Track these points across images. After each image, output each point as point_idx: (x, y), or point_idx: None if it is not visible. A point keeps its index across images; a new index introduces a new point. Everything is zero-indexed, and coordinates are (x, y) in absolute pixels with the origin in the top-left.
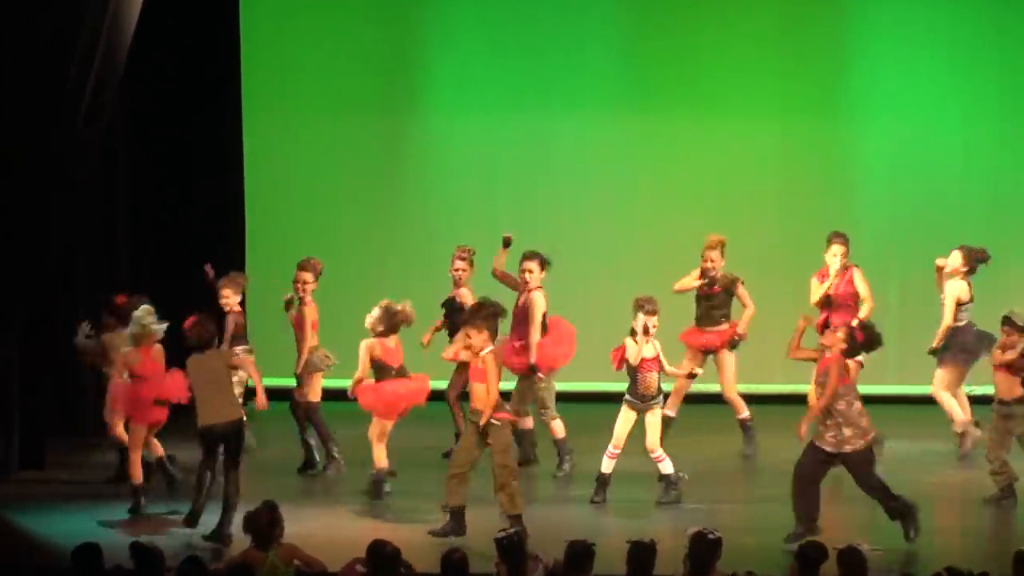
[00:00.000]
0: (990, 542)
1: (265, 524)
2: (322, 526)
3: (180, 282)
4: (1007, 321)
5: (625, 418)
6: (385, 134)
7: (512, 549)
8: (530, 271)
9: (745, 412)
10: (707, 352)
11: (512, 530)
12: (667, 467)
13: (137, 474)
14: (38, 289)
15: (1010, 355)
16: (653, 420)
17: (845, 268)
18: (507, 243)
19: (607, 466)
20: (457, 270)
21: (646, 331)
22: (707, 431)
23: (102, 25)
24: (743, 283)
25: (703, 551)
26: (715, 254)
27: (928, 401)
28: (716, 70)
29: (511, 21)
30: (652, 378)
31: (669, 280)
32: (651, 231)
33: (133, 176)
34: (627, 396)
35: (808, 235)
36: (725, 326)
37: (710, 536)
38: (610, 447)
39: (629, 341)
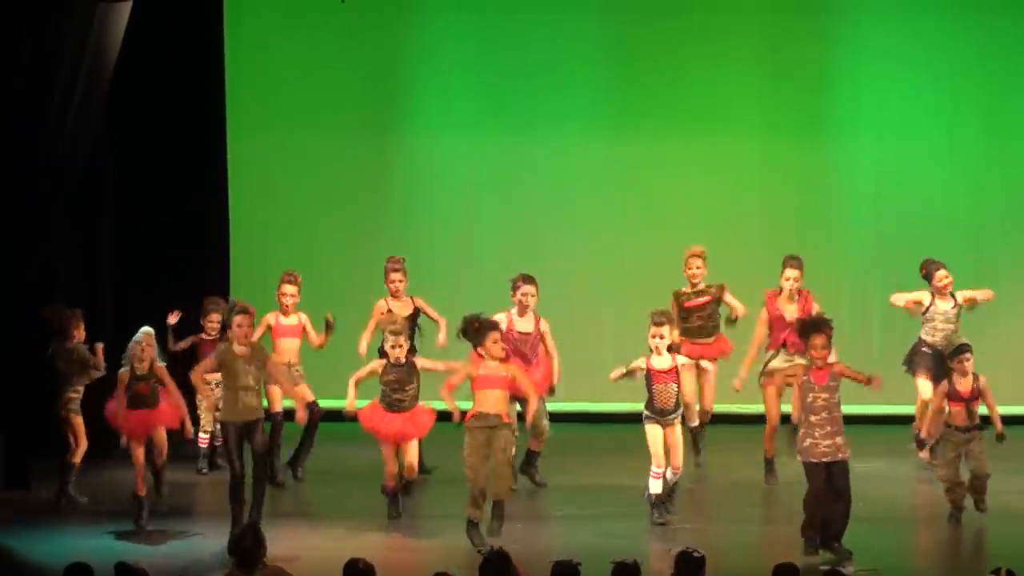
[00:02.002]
0: (969, 560)
1: (249, 546)
2: (306, 547)
3: (163, 300)
4: (966, 349)
5: (653, 434)
6: (369, 152)
7: (497, 568)
8: (532, 295)
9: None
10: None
11: (498, 548)
12: (673, 477)
13: (140, 487)
14: (19, 305)
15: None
16: (676, 437)
17: (801, 292)
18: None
19: (655, 487)
20: (393, 282)
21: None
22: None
23: (87, 43)
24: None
25: (689, 570)
26: (699, 261)
27: (910, 420)
28: (700, 90)
29: (496, 40)
30: (667, 391)
31: (653, 300)
32: (635, 252)
33: (117, 193)
34: (645, 412)
35: (790, 252)
36: (713, 338)
37: (695, 555)
38: (652, 467)
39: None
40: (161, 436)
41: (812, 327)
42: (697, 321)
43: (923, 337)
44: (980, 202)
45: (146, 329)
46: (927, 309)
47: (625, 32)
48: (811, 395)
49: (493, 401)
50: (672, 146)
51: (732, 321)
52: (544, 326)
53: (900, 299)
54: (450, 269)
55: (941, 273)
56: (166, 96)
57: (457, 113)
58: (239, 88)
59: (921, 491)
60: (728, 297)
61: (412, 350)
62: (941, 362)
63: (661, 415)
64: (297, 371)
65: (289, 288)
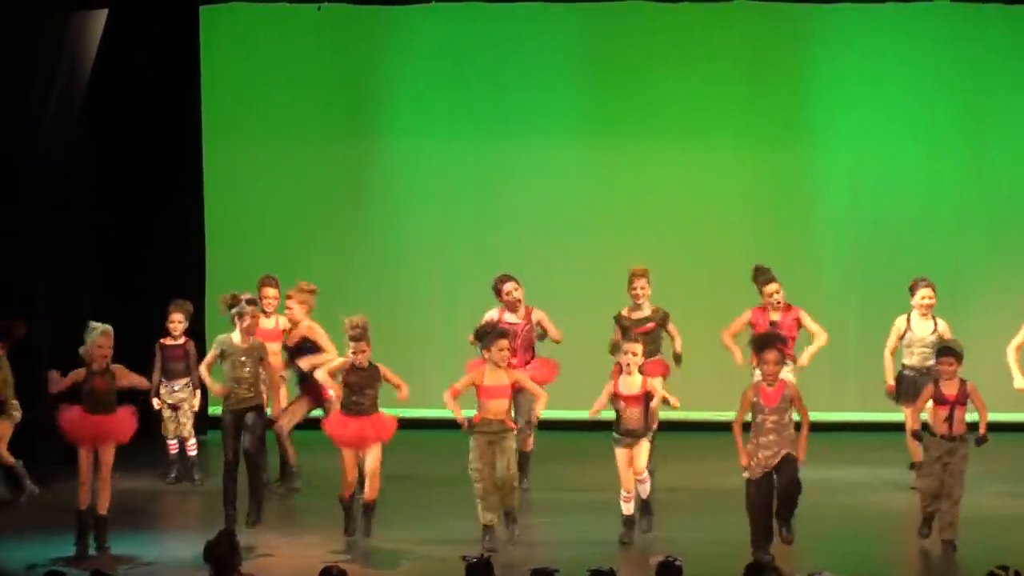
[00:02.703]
0: (956, 565)
1: (224, 553)
2: (281, 555)
3: (140, 309)
4: (948, 351)
5: (620, 458)
6: (346, 160)
7: (481, 572)
8: (515, 290)
9: None
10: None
11: (482, 553)
12: (645, 491)
13: (82, 499)
14: None
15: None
16: (643, 446)
17: (788, 305)
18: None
19: (626, 509)
20: (290, 309)
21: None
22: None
23: (63, 50)
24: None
25: None
26: (643, 281)
27: (889, 428)
28: (677, 98)
29: (473, 48)
30: (634, 413)
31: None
32: (612, 259)
33: (93, 203)
34: (614, 434)
35: (768, 264)
36: (655, 358)
37: (676, 563)
38: (622, 492)
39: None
40: (108, 450)
41: (765, 342)
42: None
43: (904, 362)
44: (957, 209)
45: (103, 327)
46: (904, 334)
47: (601, 38)
48: (760, 416)
49: (496, 409)
50: (649, 152)
51: (677, 357)
52: (538, 315)
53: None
54: (427, 275)
55: (927, 291)
56: (142, 103)
57: (433, 120)
58: (215, 95)
59: (896, 499)
60: (670, 326)
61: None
62: (919, 381)
63: (629, 436)
64: (281, 376)
65: (270, 291)
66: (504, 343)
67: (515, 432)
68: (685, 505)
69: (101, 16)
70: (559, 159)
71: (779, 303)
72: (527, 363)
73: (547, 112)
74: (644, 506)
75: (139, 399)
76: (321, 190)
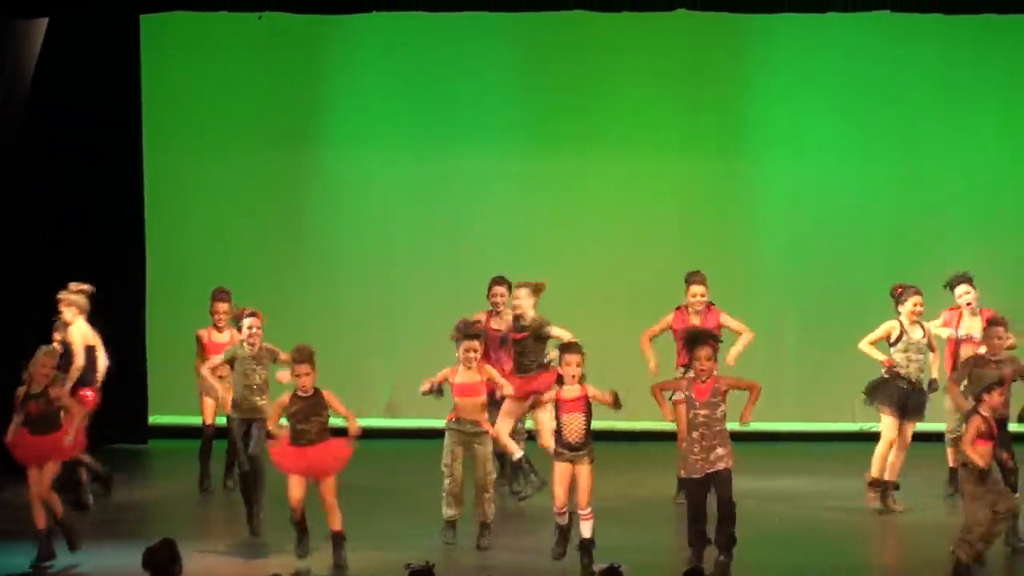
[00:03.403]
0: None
1: (163, 560)
2: (223, 563)
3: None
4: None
5: (559, 472)
6: (287, 169)
7: None
8: (502, 295)
9: (519, 453)
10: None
11: (425, 563)
12: (587, 530)
13: (38, 520)
14: None
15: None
16: (584, 478)
17: (709, 306)
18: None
19: (561, 520)
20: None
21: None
22: (604, 468)
23: (3, 61)
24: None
25: None
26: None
27: (828, 437)
28: (617, 108)
29: (414, 59)
30: (574, 421)
31: (570, 315)
32: (552, 267)
33: (33, 213)
34: (556, 447)
35: (706, 272)
36: (533, 374)
37: (620, 570)
38: (555, 508)
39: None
40: (50, 468)
41: (697, 339)
42: (517, 356)
43: (899, 370)
44: (894, 218)
45: (45, 347)
46: (899, 338)
47: (542, 48)
48: (692, 411)
49: (471, 408)
50: (589, 162)
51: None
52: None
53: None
54: (367, 285)
55: (918, 299)
56: (83, 111)
57: (374, 130)
58: (156, 103)
59: (835, 508)
60: (554, 332)
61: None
62: (911, 396)
63: (569, 449)
64: (228, 384)
65: (222, 306)
66: (471, 344)
67: (489, 435)
68: (623, 513)
69: (41, 25)
70: (500, 169)
71: (700, 306)
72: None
73: (488, 122)
74: (583, 546)
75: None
76: (262, 199)
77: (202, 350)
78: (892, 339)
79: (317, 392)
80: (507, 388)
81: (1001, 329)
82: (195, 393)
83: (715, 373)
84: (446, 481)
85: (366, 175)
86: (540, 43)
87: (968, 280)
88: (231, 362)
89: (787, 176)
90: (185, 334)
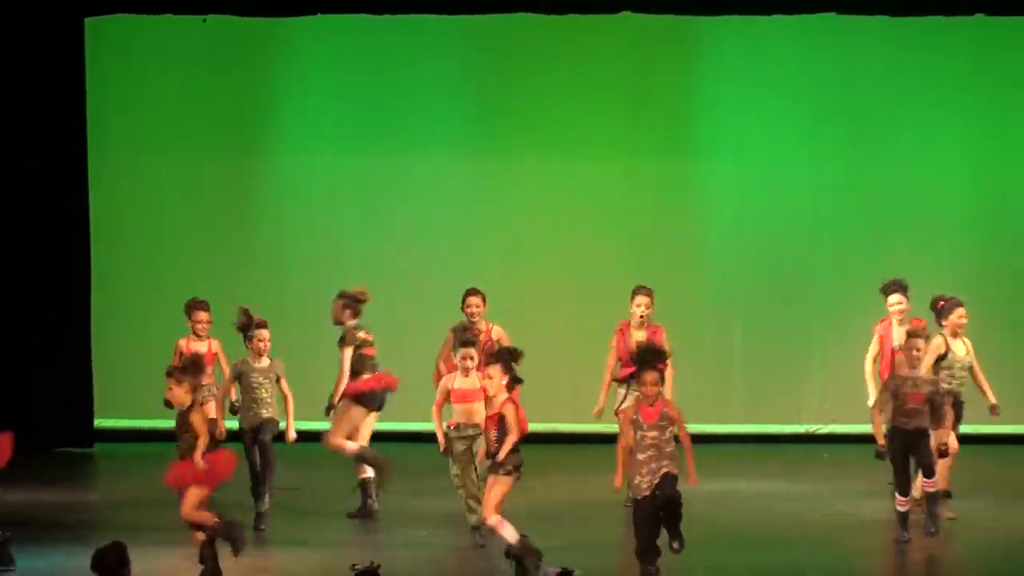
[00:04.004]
0: None
1: (113, 562)
2: (168, 567)
3: (24, 323)
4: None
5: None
6: (234, 172)
7: None
8: (477, 306)
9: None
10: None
11: (370, 564)
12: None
13: None
14: None
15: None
16: (494, 487)
17: (649, 325)
18: None
19: (473, 520)
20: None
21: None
22: (552, 471)
23: None
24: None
25: None
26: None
27: (775, 439)
28: (564, 111)
29: (360, 62)
30: (469, 409)
31: (520, 319)
32: (498, 272)
33: None
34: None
35: (654, 276)
36: None
37: (575, 573)
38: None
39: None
40: None
41: (644, 361)
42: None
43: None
44: (841, 221)
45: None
46: (944, 355)
47: (487, 50)
48: (639, 433)
49: (470, 413)
50: (535, 165)
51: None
52: (498, 332)
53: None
54: (315, 289)
55: (961, 311)
56: (27, 115)
57: (319, 132)
58: (101, 107)
59: (783, 509)
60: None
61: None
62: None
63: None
64: (211, 391)
65: (203, 315)
66: (467, 352)
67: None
68: (574, 517)
69: None
70: (445, 172)
71: (643, 319)
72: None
73: (434, 125)
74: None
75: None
76: (209, 201)
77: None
78: (941, 356)
79: (181, 411)
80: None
81: (920, 342)
82: (141, 396)
83: (663, 396)
84: (460, 491)
85: (312, 177)
86: (486, 46)
87: (902, 289)
88: (238, 378)
89: (734, 179)
90: (130, 337)
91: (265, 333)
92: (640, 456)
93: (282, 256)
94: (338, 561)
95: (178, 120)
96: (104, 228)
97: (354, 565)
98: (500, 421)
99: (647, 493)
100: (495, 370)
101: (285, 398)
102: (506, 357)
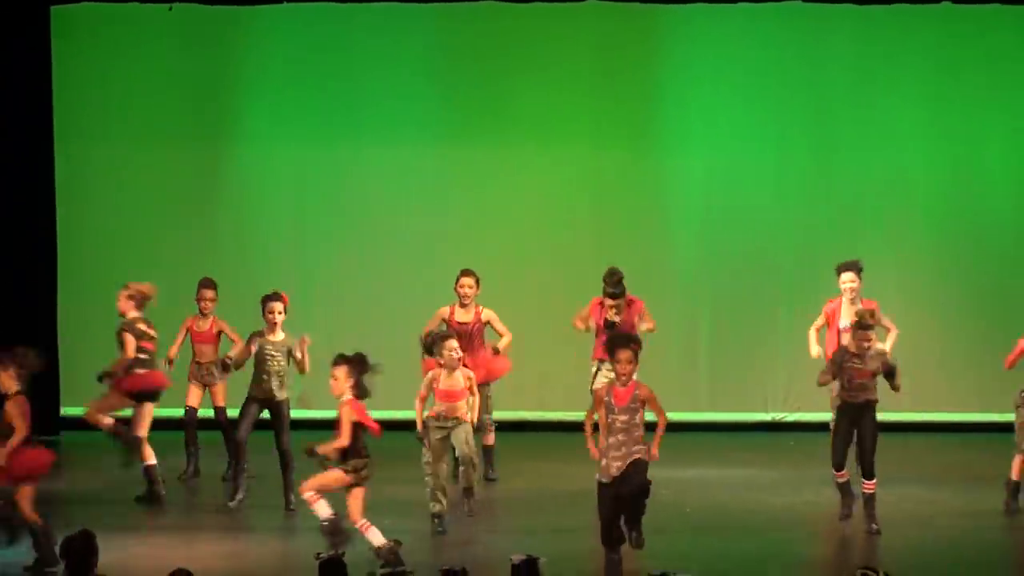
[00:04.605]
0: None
1: (79, 549)
2: (134, 555)
3: None
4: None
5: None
6: (198, 163)
7: (335, 572)
8: (470, 287)
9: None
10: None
11: (333, 551)
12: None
13: None
14: None
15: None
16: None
17: (630, 300)
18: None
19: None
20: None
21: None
22: (521, 458)
23: None
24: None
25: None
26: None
27: (741, 427)
28: (530, 102)
29: (324, 51)
30: (455, 407)
31: (486, 307)
32: (465, 259)
33: None
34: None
35: (621, 266)
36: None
37: (539, 562)
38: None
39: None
40: None
41: (617, 342)
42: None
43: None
44: (808, 209)
45: None
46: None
47: (454, 39)
48: (611, 416)
49: (454, 409)
50: (502, 154)
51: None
52: (487, 315)
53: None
54: (279, 276)
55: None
56: None
57: (287, 121)
58: (67, 96)
59: (749, 497)
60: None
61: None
62: None
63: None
64: (210, 371)
65: (208, 292)
66: (451, 343)
67: (468, 422)
68: (539, 504)
69: None
70: (412, 162)
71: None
72: (474, 361)
73: (400, 114)
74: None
75: None
76: (175, 190)
77: (191, 336)
78: None
79: (9, 397)
80: (475, 398)
81: (872, 334)
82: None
83: (635, 378)
84: (428, 479)
85: (278, 166)
86: (452, 34)
87: (856, 268)
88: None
89: (700, 168)
90: (96, 326)
91: (276, 306)
92: (610, 439)
93: (248, 244)
94: (302, 549)
95: (144, 108)
96: (70, 216)
97: (319, 554)
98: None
99: (616, 475)
100: (341, 371)
101: (301, 361)
102: (356, 362)
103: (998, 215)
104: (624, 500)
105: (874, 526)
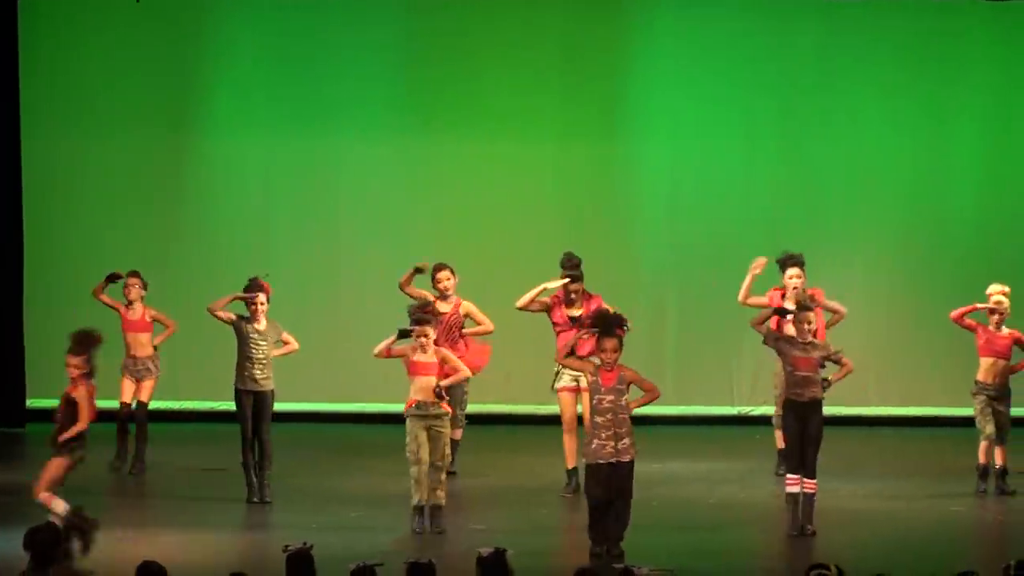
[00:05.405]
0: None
1: (44, 541)
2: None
3: None
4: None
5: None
6: (166, 151)
7: (302, 565)
8: (448, 279)
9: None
10: None
11: (302, 544)
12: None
13: None
14: None
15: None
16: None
17: (589, 294)
18: (419, 270)
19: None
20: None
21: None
22: (491, 450)
23: None
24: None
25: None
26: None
27: (708, 421)
28: (496, 91)
29: (292, 40)
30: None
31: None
32: (430, 250)
33: None
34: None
35: (586, 257)
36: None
37: (508, 553)
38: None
39: None
40: None
41: (604, 329)
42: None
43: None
44: (775, 201)
45: None
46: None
47: (421, 32)
48: (597, 396)
49: (427, 389)
50: (468, 146)
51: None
52: (466, 307)
53: None
54: (246, 268)
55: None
56: None
57: (253, 112)
58: (35, 84)
59: (715, 490)
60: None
61: None
62: None
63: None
64: (143, 365)
65: (136, 280)
66: (421, 330)
67: (450, 416)
68: (506, 498)
69: None
70: (379, 152)
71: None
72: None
73: (367, 105)
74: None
75: None
76: (141, 180)
77: (123, 328)
78: None
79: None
80: (464, 371)
81: (811, 315)
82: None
83: (619, 362)
84: (412, 468)
85: (245, 156)
86: (419, 26)
87: (800, 264)
88: (237, 331)
89: (667, 158)
90: (62, 316)
91: (258, 296)
92: (598, 419)
93: (214, 234)
94: (271, 542)
95: (111, 99)
96: (37, 206)
97: (287, 546)
98: (72, 405)
99: (605, 462)
100: (76, 360)
101: (287, 343)
102: (85, 341)
103: (962, 209)
104: (613, 484)
105: (809, 527)
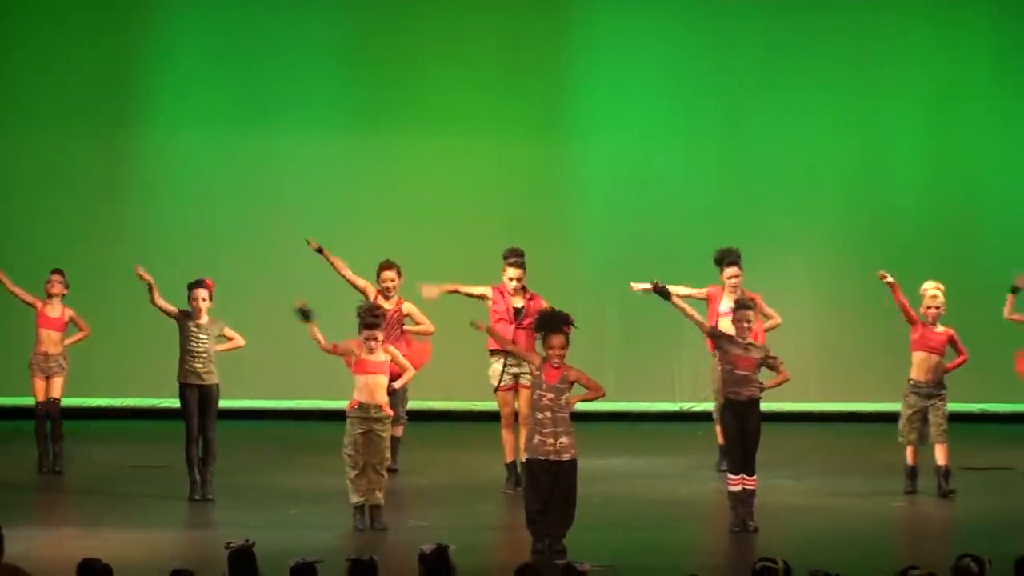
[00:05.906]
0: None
1: None
2: (40, 545)
3: None
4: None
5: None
6: (106, 148)
7: (244, 562)
8: (392, 280)
9: None
10: None
11: (244, 541)
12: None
13: None
14: None
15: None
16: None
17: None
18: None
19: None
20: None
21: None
22: (430, 448)
23: None
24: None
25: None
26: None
27: (649, 417)
28: (436, 88)
29: (235, 37)
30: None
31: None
32: (373, 247)
33: None
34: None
35: (527, 253)
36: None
37: (450, 549)
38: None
39: None
40: None
41: (552, 326)
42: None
43: None
44: (717, 199)
45: None
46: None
47: (363, 29)
48: (538, 392)
49: (372, 389)
50: (409, 144)
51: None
52: (408, 308)
53: None
54: (187, 269)
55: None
56: None
57: (195, 111)
58: None
59: (656, 486)
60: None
61: None
62: None
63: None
64: (55, 362)
65: (59, 278)
66: (370, 334)
67: (391, 419)
68: (447, 494)
69: None
70: (321, 149)
71: (517, 288)
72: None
73: (309, 102)
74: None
75: None
76: (83, 177)
77: (38, 323)
78: None
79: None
80: (411, 370)
81: (750, 313)
82: (13, 372)
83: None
84: (350, 471)
85: (186, 154)
86: (361, 22)
87: (737, 262)
88: (178, 323)
89: (608, 155)
90: (9, 314)
91: (199, 292)
92: (538, 415)
93: (155, 231)
94: (213, 540)
95: (51, 95)
96: None
97: (228, 543)
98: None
99: (544, 458)
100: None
101: (231, 339)
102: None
103: (902, 207)
104: (553, 479)
105: (751, 523)
